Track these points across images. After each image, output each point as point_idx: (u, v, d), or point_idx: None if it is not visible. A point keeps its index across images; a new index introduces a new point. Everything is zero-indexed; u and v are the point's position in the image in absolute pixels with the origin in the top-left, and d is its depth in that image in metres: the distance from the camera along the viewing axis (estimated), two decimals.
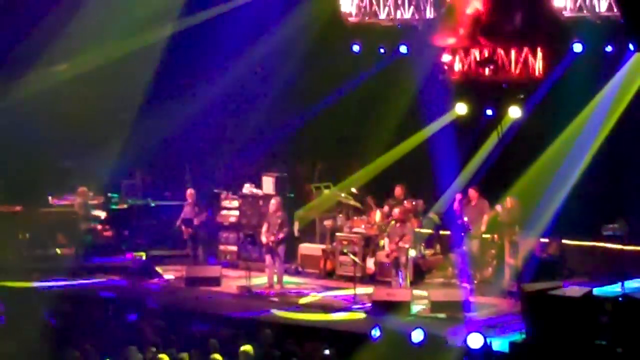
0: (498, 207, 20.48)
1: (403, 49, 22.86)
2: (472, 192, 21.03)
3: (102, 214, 23.12)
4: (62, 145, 23.31)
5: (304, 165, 24.46)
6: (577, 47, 20.98)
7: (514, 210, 20.39)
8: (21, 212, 22.73)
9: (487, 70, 22.35)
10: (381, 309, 18.54)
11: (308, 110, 23.71)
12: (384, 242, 20.60)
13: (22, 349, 15.48)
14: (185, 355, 14.74)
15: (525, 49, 21.93)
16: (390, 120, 22.78)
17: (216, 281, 20.93)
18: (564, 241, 20.69)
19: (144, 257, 22.19)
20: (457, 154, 21.96)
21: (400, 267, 19.94)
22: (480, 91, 22.36)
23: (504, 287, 19.87)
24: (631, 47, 19.91)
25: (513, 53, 22.06)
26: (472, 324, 17.55)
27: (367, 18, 23.16)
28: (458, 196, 21.05)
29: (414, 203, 21.61)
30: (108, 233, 23.15)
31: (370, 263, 21.19)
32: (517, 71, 22.07)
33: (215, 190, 23.50)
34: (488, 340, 15.84)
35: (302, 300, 19.87)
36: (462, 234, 20.62)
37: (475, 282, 20.30)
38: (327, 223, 22.31)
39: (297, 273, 21.97)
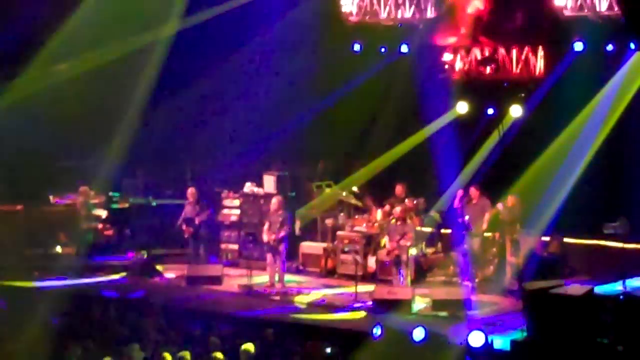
0: (499, 206, 20.49)
1: (404, 48, 22.90)
2: (474, 191, 21.02)
3: (103, 213, 23.07)
4: (63, 144, 23.27)
5: (306, 164, 24.44)
6: (578, 46, 21.02)
7: (515, 209, 20.42)
8: (22, 211, 22.69)
9: (488, 69, 22.40)
10: (382, 307, 18.53)
11: (309, 110, 23.71)
12: (385, 240, 20.59)
13: (23, 348, 15.47)
14: (186, 353, 14.71)
15: (526, 48, 21.97)
16: (391, 119, 22.80)
17: (217, 280, 20.90)
18: (565, 239, 20.67)
19: (145, 256, 22.17)
20: (458, 153, 21.99)
21: (401, 266, 19.91)
22: (481, 90, 22.39)
23: (505, 285, 19.88)
24: (632, 46, 19.98)
25: (514, 52, 22.12)
26: (474, 322, 17.52)
27: (367, 17, 23.20)
28: (459, 193, 21.06)
29: (415, 201, 21.59)
30: (109, 232, 23.13)
31: (371, 261, 21.18)
32: (518, 70, 22.12)
33: (217, 189, 23.50)
34: (489, 339, 15.87)
35: (303, 299, 19.87)
36: (463, 232, 20.59)
37: (477, 280, 20.27)
38: (329, 221, 22.30)
39: (298, 271, 21.96)
